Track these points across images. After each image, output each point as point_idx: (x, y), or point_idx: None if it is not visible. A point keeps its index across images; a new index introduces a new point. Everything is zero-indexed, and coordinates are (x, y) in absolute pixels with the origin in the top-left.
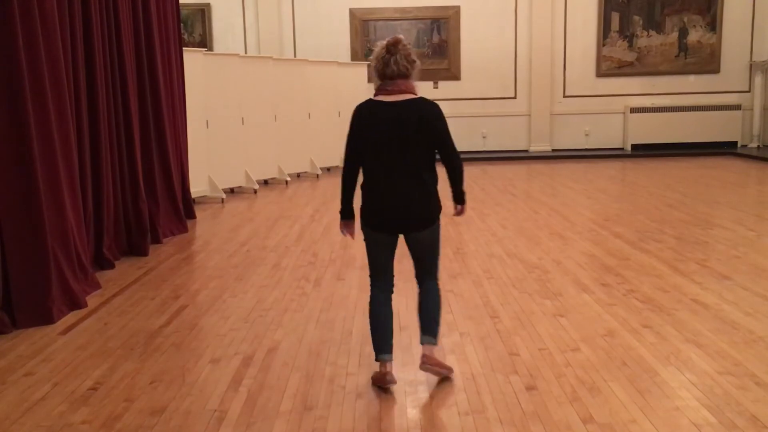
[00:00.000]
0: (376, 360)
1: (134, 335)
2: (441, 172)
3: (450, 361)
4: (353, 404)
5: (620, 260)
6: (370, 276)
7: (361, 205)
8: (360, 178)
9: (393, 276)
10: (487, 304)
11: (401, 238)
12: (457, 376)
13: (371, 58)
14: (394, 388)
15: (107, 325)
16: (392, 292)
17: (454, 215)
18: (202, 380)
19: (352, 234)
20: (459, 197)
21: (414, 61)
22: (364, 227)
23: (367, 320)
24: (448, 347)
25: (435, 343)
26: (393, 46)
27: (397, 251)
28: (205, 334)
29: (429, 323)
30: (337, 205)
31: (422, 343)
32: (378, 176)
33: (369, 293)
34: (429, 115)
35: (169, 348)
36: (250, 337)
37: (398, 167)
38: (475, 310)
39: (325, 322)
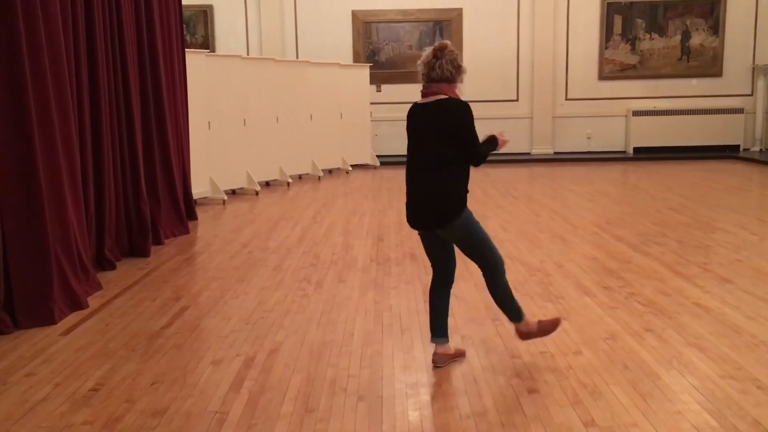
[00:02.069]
0: (431, 342)
1: (135, 336)
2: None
3: (451, 363)
4: (354, 406)
5: (622, 263)
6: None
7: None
8: None
9: (446, 271)
10: (489, 307)
11: None
12: (458, 379)
13: (419, 62)
14: (396, 390)
15: (108, 326)
16: (450, 283)
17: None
18: (203, 381)
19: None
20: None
21: (460, 66)
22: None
23: (369, 322)
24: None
25: (521, 320)
26: (440, 51)
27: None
28: (206, 335)
29: (505, 311)
30: (338, 208)
31: (514, 321)
32: (409, 175)
33: (370, 294)
34: (453, 113)
35: (171, 349)
36: (251, 338)
37: (424, 165)
38: (476, 313)
39: (326, 323)
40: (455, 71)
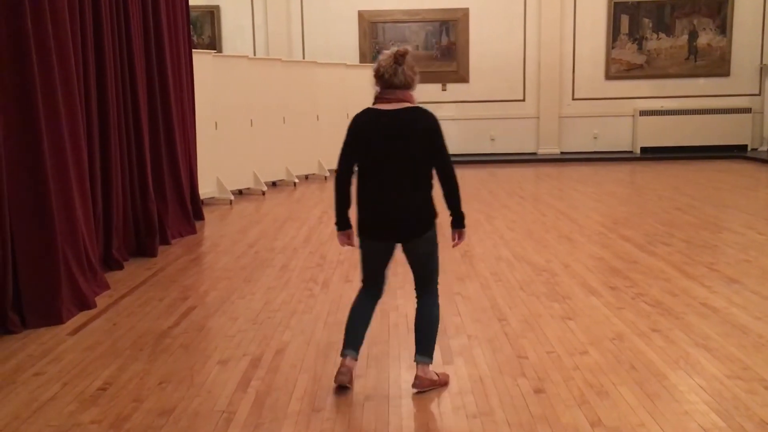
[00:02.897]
0: (341, 356)
1: (143, 336)
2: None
3: (457, 363)
4: (361, 406)
5: (629, 263)
6: (362, 281)
7: (358, 213)
8: (354, 187)
9: (384, 284)
10: (495, 307)
11: (398, 249)
12: (464, 379)
13: (377, 65)
14: (402, 390)
15: (116, 325)
16: (379, 298)
17: (453, 246)
18: (210, 381)
19: (352, 243)
20: (458, 220)
21: (416, 73)
22: (360, 235)
23: (375, 322)
24: (455, 349)
25: (429, 362)
26: (402, 57)
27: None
28: (213, 335)
29: (422, 341)
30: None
31: (416, 362)
32: (374, 184)
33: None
34: (427, 125)
35: (178, 349)
36: (258, 338)
37: (394, 175)
38: (482, 313)
39: (333, 323)
40: (415, 78)
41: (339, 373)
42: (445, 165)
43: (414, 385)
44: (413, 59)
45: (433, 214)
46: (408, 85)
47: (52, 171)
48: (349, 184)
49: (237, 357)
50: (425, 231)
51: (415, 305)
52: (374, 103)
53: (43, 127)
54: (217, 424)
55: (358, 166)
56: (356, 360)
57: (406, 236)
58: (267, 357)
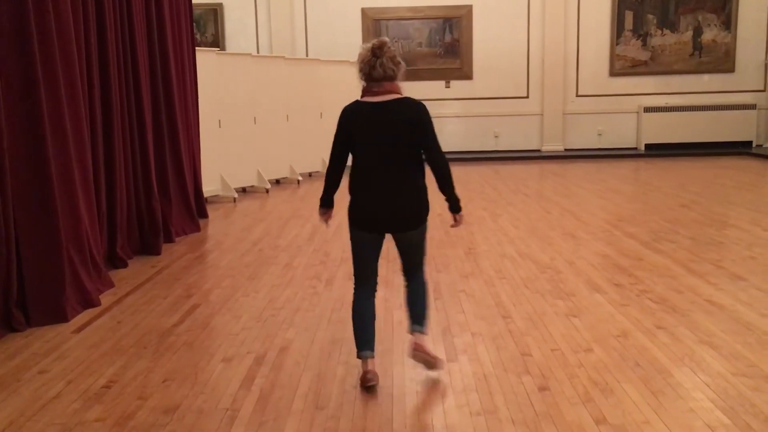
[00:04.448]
0: (358, 357)
1: (147, 334)
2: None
3: (462, 360)
4: (365, 404)
5: (633, 261)
6: (355, 278)
7: (350, 205)
8: (345, 178)
9: (377, 277)
10: (499, 304)
11: (387, 238)
12: (468, 377)
13: (358, 59)
14: (406, 388)
15: (120, 323)
16: (375, 291)
17: (451, 226)
18: (214, 379)
19: (327, 221)
20: (454, 204)
21: (399, 63)
22: (352, 227)
23: (379, 319)
24: (460, 347)
25: (424, 332)
26: (378, 49)
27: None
28: (217, 333)
29: (418, 313)
30: (347, 204)
31: (412, 332)
32: (367, 176)
33: (380, 292)
34: (418, 114)
35: (182, 347)
36: (262, 336)
37: (387, 167)
38: (487, 310)
39: (336, 321)
40: (396, 68)
41: (365, 380)
42: (437, 153)
43: (412, 354)
44: (394, 50)
45: (427, 206)
46: (391, 77)
47: (56, 169)
48: (339, 173)
49: (241, 355)
50: (420, 223)
51: (405, 285)
52: (362, 97)
53: (46, 125)
54: (221, 421)
55: (352, 158)
56: (374, 357)
57: (401, 228)
58: (271, 355)
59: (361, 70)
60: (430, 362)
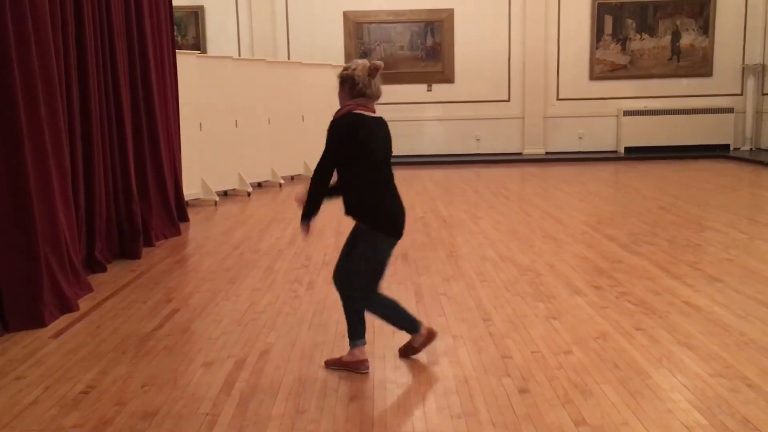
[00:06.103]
0: (416, 331)
1: (126, 339)
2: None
3: (443, 363)
4: (346, 407)
5: (613, 263)
6: (369, 286)
7: (382, 218)
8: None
9: None
10: (480, 307)
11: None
12: (449, 379)
13: (352, 74)
14: (387, 391)
15: (99, 328)
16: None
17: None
18: (194, 384)
19: (308, 231)
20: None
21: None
22: (389, 237)
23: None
24: (440, 350)
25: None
26: (375, 71)
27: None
28: (197, 337)
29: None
30: (329, 208)
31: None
32: (389, 185)
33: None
34: (388, 131)
35: (161, 351)
36: (242, 340)
37: (391, 177)
38: (467, 313)
39: (318, 325)
40: (379, 91)
41: (425, 339)
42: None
43: (410, 351)
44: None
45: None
46: (378, 97)
47: (34, 172)
48: (329, 184)
49: (221, 359)
50: None
51: (385, 295)
52: (356, 110)
53: (24, 128)
54: (200, 426)
55: (361, 171)
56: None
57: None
58: (251, 359)
59: (355, 85)
60: (414, 349)
